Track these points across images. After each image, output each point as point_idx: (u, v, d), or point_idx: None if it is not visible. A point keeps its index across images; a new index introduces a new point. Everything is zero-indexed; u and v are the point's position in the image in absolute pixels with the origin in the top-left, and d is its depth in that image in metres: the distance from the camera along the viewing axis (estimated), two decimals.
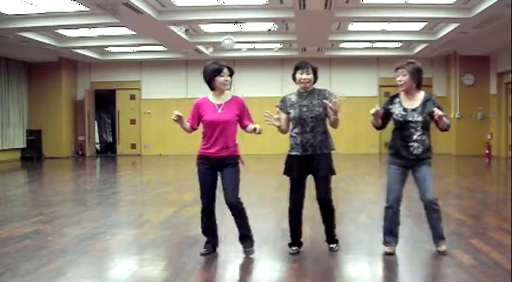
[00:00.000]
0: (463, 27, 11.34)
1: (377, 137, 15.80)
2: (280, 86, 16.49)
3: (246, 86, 15.18)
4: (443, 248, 4.23)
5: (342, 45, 14.96)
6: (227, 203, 4.22)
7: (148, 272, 3.95)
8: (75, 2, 9.37)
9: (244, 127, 4.34)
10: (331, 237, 4.42)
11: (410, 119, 4.17)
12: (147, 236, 5.14)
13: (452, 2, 10.10)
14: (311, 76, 4.30)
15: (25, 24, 10.97)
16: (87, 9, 10.05)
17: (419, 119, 4.15)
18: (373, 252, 4.40)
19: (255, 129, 4.21)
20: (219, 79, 4.22)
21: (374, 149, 16.27)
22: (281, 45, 14.79)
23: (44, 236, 5.08)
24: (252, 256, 4.28)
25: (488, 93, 15.26)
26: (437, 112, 4.02)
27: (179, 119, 4.19)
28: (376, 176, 11.07)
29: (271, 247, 4.63)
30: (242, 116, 4.32)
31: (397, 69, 4.32)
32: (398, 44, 14.94)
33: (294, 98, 4.35)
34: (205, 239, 4.40)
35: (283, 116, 4.35)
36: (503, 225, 5.43)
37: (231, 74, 4.30)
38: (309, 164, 4.21)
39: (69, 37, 13.38)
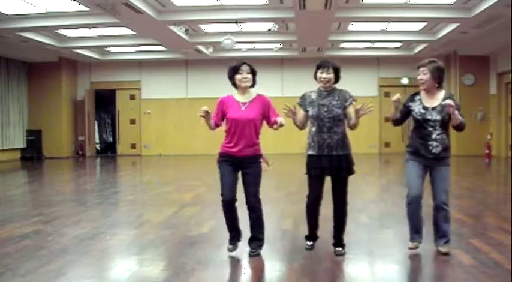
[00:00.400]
0: (463, 27, 11.34)
1: (377, 137, 15.84)
2: (280, 86, 16.51)
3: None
4: (446, 249, 4.22)
5: (342, 45, 14.97)
6: (247, 204, 4.28)
7: (148, 272, 3.95)
8: (75, 2, 9.37)
9: (271, 124, 4.33)
10: (339, 241, 4.38)
11: (429, 117, 4.14)
12: (147, 236, 5.14)
13: (452, 2, 10.10)
14: (331, 76, 4.25)
15: (25, 24, 10.97)
16: (87, 9, 10.05)
17: (438, 117, 4.13)
18: (373, 252, 4.40)
19: (277, 122, 4.19)
20: (238, 76, 4.26)
21: (374, 149, 16.28)
22: (281, 45, 14.79)
23: (44, 236, 5.08)
24: (254, 254, 4.27)
25: (488, 93, 15.26)
26: (448, 101, 4.03)
27: (207, 115, 4.19)
28: (376, 176, 11.08)
29: (271, 247, 4.63)
30: (267, 114, 4.32)
31: (418, 67, 4.27)
32: (398, 44, 14.94)
33: (313, 96, 4.34)
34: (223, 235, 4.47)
35: (302, 112, 4.36)
36: (503, 225, 5.43)
37: (252, 72, 4.30)
38: (328, 164, 4.21)
39: (69, 37, 13.38)
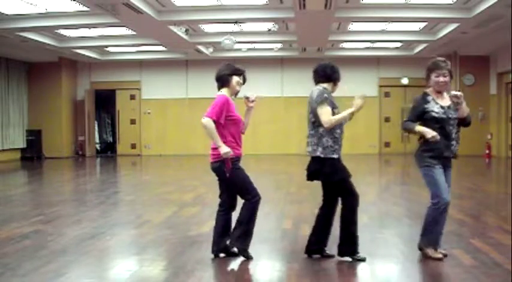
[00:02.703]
0: (463, 27, 11.34)
1: (377, 138, 15.83)
2: (280, 86, 16.50)
3: (246, 86, 15.09)
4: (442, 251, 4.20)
5: (342, 45, 14.97)
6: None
7: (148, 272, 3.95)
8: (75, 2, 9.37)
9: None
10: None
11: (450, 115, 4.08)
12: (147, 236, 5.14)
13: (452, 2, 10.10)
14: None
15: (25, 24, 10.97)
16: (87, 9, 10.05)
17: (455, 115, 4.11)
18: (373, 252, 4.40)
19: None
20: (237, 79, 4.28)
21: (374, 150, 16.28)
22: (281, 45, 14.79)
23: (44, 236, 5.08)
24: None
25: (488, 93, 15.26)
26: (456, 92, 4.06)
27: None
28: (376, 177, 11.08)
29: (271, 247, 4.63)
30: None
31: (439, 68, 4.12)
32: (398, 44, 14.94)
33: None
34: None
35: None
36: (503, 225, 5.43)
37: (244, 82, 4.38)
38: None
39: (69, 37, 13.38)
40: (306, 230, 5.23)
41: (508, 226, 5.27)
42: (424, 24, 12.28)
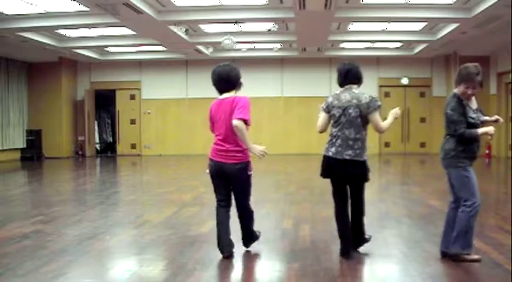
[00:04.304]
0: (463, 28, 11.35)
1: (376, 138, 15.81)
2: (280, 86, 16.50)
3: (245, 86, 15.13)
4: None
5: (342, 45, 14.96)
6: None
7: (148, 272, 3.95)
8: (75, 2, 9.37)
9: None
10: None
11: (481, 118, 4.10)
12: (147, 236, 5.14)
13: (452, 2, 10.10)
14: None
15: (25, 24, 10.98)
16: (87, 9, 10.05)
17: (482, 117, 4.16)
18: (373, 252, 4.40)
19: None
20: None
21: (373, 150, 16.27)
22: (281, 45, 14.78)
23: (44, 236, 5.08)
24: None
25: (488, 93, 15.25)
26: (497, 117, 4.33)
27: None
28: (375, 176, 11.06)
29: (271, 247, 4.63)
30: None
31: (470, 81, 3.98)
32: (399, 44, 14.94)
33: None
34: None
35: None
36: (503, 225, 5.43)
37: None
38: None
39: (69, 37, 13.38)
40: (306, 230, 5.24)
41: (508, 226, 5.28)
42: (424, 24, 12.28)
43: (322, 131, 4.38)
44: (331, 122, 4.29)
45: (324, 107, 4.30)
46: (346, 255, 4.18)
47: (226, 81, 4.23)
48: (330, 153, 4.18)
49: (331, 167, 4.19)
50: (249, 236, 4.46)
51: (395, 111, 4.37)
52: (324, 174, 4.25)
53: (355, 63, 4.36)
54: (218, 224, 4.29)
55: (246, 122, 4.05)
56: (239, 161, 4.15)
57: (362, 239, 4.41)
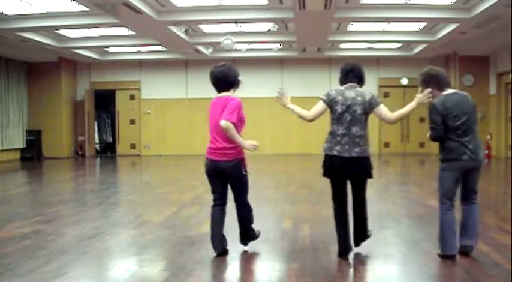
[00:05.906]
0: (463, 28, 11.35)
1: (376, 138, 15.82)
2: (280, 86, 16.48)
3: (245, 86, 15.07)
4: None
5: (342, 45, 14.96)
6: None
7: (148, 272, 3.95)
8: (75, 2, 9.37)
9: None
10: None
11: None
12: (147, 236, 5.14)
13: (451, 3, 10.10)
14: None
15: (25, 24, 10.97)
16: (87, 9, 10.05)
17: None
18: (373, 252, 4.40)
19: None
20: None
21: (373, 150, 16.28)
22: (281, 46, 14.78)
23: (44, 236, 5.08)
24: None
25: (488, 93, 15.26)
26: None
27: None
28: (375, 176, 11.04)
29: (271, 247, 4.64)
30: None
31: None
32: (398, 44, 14.94)
33: None
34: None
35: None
36: (503, 225, 5.43)
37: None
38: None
39: (69, 37, 13.37)
40: (306, 230, 5.25)
41: (508, 226, 5.27)
42: (423, 24, 12.28)
43: (312, 120, 4.29)
44: (331, 117, 4.25)
45: (325, 98, 4.26)
46: (345, 256, 4.17)
47: (224, 81, 4.31)
48: (335, 152, 4.13)
49: (335, 166, 4.15)
50: (247, 234, 4.48)
51: (422, 97, 4.33)
52: (328, 173, 4.21)
53: (358, 64, 4.38)
54: (212, 222, 4.34)
55: (235, 124, 4.11)
56: (232, 158, 4.20)
57: (365, 235, 4.44)
